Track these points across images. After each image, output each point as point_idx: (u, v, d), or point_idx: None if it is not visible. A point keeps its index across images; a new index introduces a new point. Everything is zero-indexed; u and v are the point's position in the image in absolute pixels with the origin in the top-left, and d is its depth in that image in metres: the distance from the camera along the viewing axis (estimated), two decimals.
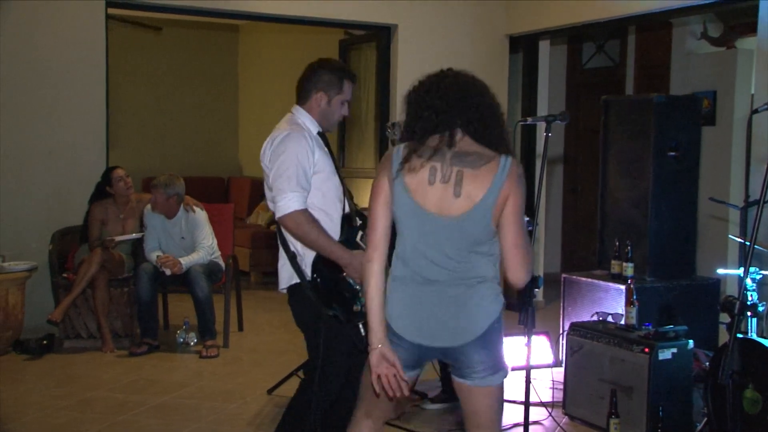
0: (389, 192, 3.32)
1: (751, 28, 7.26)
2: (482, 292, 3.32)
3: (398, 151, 3.34)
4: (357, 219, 4.43)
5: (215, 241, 8.04)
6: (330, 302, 4.27)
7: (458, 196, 3.22)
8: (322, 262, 4.23)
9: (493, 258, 3.34)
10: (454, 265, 3.29)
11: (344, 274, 4.26)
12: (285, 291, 4.48)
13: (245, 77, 13.89)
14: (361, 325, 4.16)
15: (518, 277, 3.30)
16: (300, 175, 4.19)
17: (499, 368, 3.36)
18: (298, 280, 4.34)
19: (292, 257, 4.32)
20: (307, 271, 4.28)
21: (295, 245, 4.31)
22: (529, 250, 3.36)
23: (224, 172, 13.43)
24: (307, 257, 4.30)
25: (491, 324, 3.31)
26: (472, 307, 3.30)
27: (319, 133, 4.42)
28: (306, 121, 4.41)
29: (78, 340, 7.85)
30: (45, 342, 7.58)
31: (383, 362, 3.30)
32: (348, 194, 4.50)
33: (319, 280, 4.24)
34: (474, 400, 3.40)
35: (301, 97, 4.48)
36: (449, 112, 3.28)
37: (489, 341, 3.32)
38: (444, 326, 3.31)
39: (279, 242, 4.40)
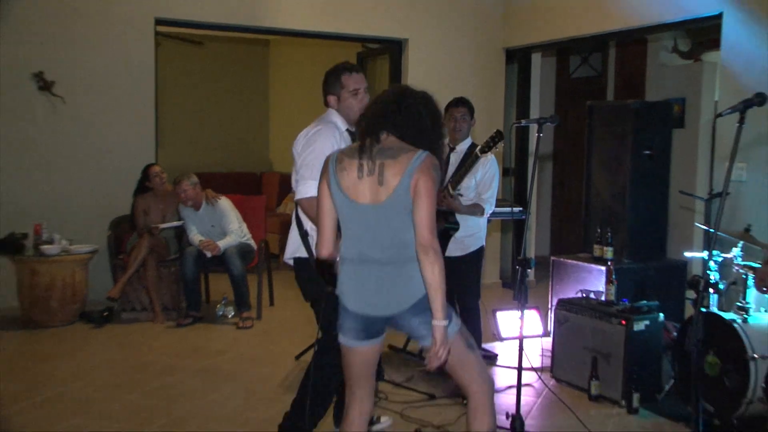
0: (328, 193, 3.39)
1: (716, 44, 7.25)
2: (411, 271, 3.29)
3: (334, 156, 3.41)
4: None
5: (244, 225, 8.07)
6: (331, 280, 4.28)
7: (381, 184, 3.26)
8: None
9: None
10: (386, 247, 3.31)
11: None
12: (289, 261, 4.47)
13: (275, 85, 13.80)
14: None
15: (427, 242, 3.18)
16: (322, 166, 4.26)
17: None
18: (304, 255, 4.34)
19: (304, 235, 4.32)
20: (314, 250, 4.31)
21: (308, 225, 4.31)
22: (434, 226, 3.25)
23: (256, 168, 13.34)
24: (316, 237, 4.29)
25: (424, 296, 3.28)
26: (403, 281, 3.31)
27: (348, 131, 4.42)
28: (337, 120, 4.42)
29: (133, 312, 7.92)
30: (106, 314, 7.64)
31: None
32: None
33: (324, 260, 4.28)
34: None
35: (325, 103, 4.50)
36: (378, 120, 3.36)
37: (423, 309, 3.29)
38: (381, 298, 3.33)
39: (294, 220, 4.40)
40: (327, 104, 4.48)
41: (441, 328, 3.19)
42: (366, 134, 3.37)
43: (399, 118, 3.35)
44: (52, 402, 5.44)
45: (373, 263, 3.33)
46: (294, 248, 4.44)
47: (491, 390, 3.48)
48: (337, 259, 3.53)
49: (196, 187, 7.85)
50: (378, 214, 3.29)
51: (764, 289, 4.05)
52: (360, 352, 3.45)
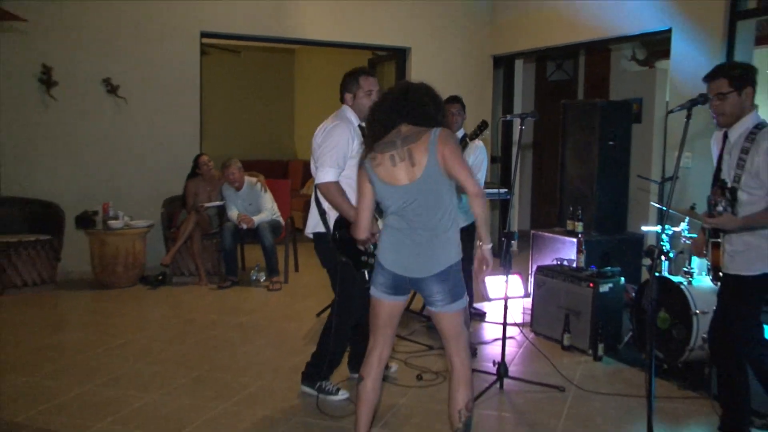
0: (370, 188, 3.40)
1: (666, 54, 7.26)
2: (444, 241, 3.33)
3: (367, 159, 3.40)
4: None
5: (275, 204, 8.09)
6: (344, 252, 4.26)
7: (413, 165, 3.28)
8: (342, 222, 4.24)
9: (451, 211, 3.37)
10: (423, 218, 3.32)
11: None
12: (310, 235, 4.48)
13: (299, 87, 13.73)
14: (366, 272, 4.15)
15: (473, 186, 3.27)
16: (339, 156, 4.21)
17: (455, 299, 3.36)
18: (323, 230, 4.36)
19: (322, 213, 4.34)
20: (331, 225, 4.30)
21: (325, 205, 4.32)
22: (473, 177, 3.32)
23: (283, 156, 13.32)
24: (331, 215, 4.30)
25: (449, 267, 3.32)
26: (435, 250, 3.32)
27: (359, 126, 4.41)
28: (351, 116, 4.43)
29: (182, 276, 7.98)
30: (160, 278, 7.73)
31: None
32: None
33: (338, 234, 4.25)
34: (439, 321, 3.42)
35: (341, 100, 4.50)
36: (392, 115, 3.36)
37: (446, 279, 3.32)
38: (414, 261, 3.34)
39: (314, 200, 4.40)
40: (343, 101, 4.48)
41: (487, 250, 3.38)
42: (386, 129, 3.37)
43: (408, 108, 3.35)
44: (118, 350, 5.51)
45: (413, 231, 3.34)
46: (314, 224, 4.45)
47: (470, 367, 3.46)
48: (375, 233, 3.56)
49: (241, 171, 7.93)
50: (417, 189, 3.29)
51: (704, 253, 4.09)
52: (386, 305, 3.48)
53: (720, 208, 3.58)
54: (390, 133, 3.36)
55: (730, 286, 3.81)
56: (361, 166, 3.45)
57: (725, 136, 3.79)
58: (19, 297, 7.08)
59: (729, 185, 3.68)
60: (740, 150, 3.65)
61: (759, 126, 3.64)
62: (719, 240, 3.82)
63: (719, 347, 3.85)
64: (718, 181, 3.77)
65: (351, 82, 4.46)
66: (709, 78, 3.75)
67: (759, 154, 3.55)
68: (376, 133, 3.40)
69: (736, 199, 3.63)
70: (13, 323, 6.21)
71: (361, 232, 3.50)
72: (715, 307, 4.44)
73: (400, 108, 3.36)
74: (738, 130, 3.71)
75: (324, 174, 4.20)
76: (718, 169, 3.84)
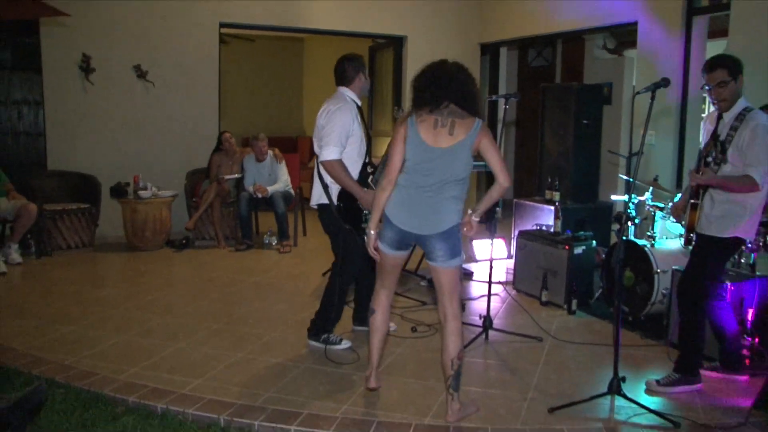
0: (406, 135, 3.38)
1: (634, 44, 7.26)
2: (451, 205, 3.36)
3: (412, 117, 3.38)
4: (369, 168, 4.41)
5: (289, 178, 8.07)
6: (347, 220, 4.31)
7: (451, 134, 3.31)
8: (344, 194, 4.26)
9: (462, 185, 3.39)
10: (441, 181, 3.34)
11: (358, 203, 4.28)
12: (315, 207, 4.49)
13: (307, 71, 13.63)
14: (365, 237, 4.13)
15: (505, 179, 3.37)
16: (341, 136, 4.20)
17: (454, 256, 3.38)
18: (325, 201, 4.36)
19: (325, 187, 4.34)
20: (334, 198, 4.32)
21: (328, 179, 4.32)
22: (506, 165, 3.42)
23: (293, 133, 13.27)
24: (334, 189, 4.31)
25: (452, 227, 3.35)
26: (441, 211, 3.35)
27: (357, 106, 4.41)
28: (353, 96, 4.43)
29: (204, 240, 7.99)
30: (184, 241, 7.73)
31: (371, 240, 3.52)
32: (368, 153, 4.47)
33: (341, 205, 4.28)
34: (438, 275, 3.43)
35: (346, 81, 4.46)
36: (440, 92, 3.33)
37: (448, 237, 3.35)
38: (421, 220, 3.37)
39: (317, 175, 4.40)
40: (350, 81, 4.45)
41: (475, 220, 3.48)
42: (434, 100, 3.33)
43: (456, 87, 3.34)
44: (148, 304, 5.53)
45: (426, 191, 3.35)
46: (317, 196, 4.46)
47: (461, 319, 3.48)
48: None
49: (267, 145, 7.93)
50: (444, 155, 3.32)
51: (682, 216, 4.15)
52: (391, 257, 3.53)
53: (710, 159, 3.78)
54: (440, 104, 3.35)
55: (703, 245, 3.90)
56: (401, 124, 3.42)
57: (719, 117, 3.89)
58: (63, 258, 7.12)
59: (721, 143, 3.79)
60: (730, 128, 3.78)
61: (747, 109, 3.79)
62: (698, 202, 3.92)
63: (686, 298, 3.94)
64: (709, 148, 3.87)
65: (361, 64, 4.48)
66: (709, 69, 3.82)
67: (746, 130, 3.69)
68: (425, 101, 3.36)
69: (725, 152, 3.75)
70: (59, 280, 6.25)
71: (390, 182, 3.43)
72: (674, 267, 4.49)
73: (448, 88, 3.33)
74: (732, 112, 3.81)
75: (329, 152, 4.18)
76: (707, 144, 3.93)
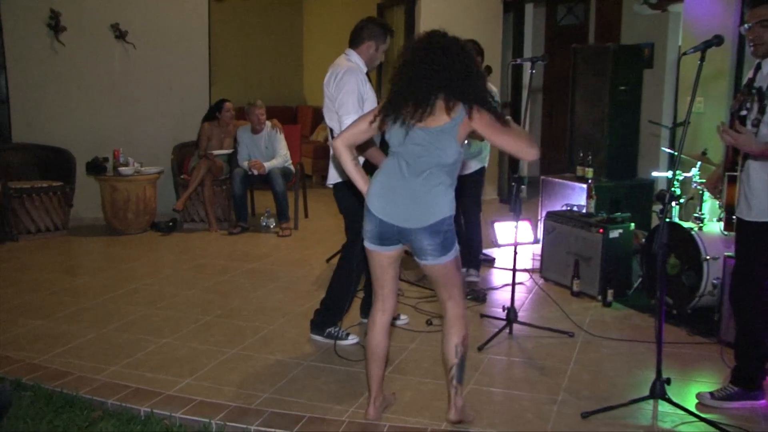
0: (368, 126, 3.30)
1: None
2: (438, 194, 3.20)
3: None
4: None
5: (288, 152, 8.04)
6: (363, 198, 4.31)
7: (433, 115, 3.13)
8: (366, 167, 4.11)
9: (449, 171, 3.22)
10: (424, 166, 3.18)
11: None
12: (330, 186, 4.50)
13: (308, 32, 13.60)
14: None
15: (528, 154, 3.13)
16: (359, 100, 4.22)
17: (445, 253, 3.24)
18: (342, 180, 4.35)
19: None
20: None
21: None
22: (521, 135, 3.16)
23: (293, 102, 13.26)
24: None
25: (441, 220, 3.19)
26: (426, 201, 3.19)
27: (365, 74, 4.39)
28: (358, 61, 4.40)
29: (193, 222, 7.99)
30: (171, 224, 7.74)
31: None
32: None
33: None
34: (429, 272, 3.34)
35: (355, 43, 4.44)
36: (428, 74, 3.13)
37: (436, 232, 3.19)
38: (404, 210, 3.20)
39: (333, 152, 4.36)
40: (358, 45, 4.43)
41: None
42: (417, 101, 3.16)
43: (452, 74, 3.14)
44: (130, 294, 5.53)
45: (405, 179, 3.21)
46: (334, 175, 4.46)
47: (464, 306, 3.40)
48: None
49: (265, 113, 7.91)
50: (427, 136, 3.13)
51: (718, 190, 4.00)
52: (377, 256, 3.38)
53: (744, 113, 3.47)
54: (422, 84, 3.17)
55: (748, 233, 3.66)
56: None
57: (758, 67, 3.63)
58: (33, 242, 7.13)
59: (764, 92, 3.49)
60: None
61: None
62: (736, 174, 3.69)
63: (741, 295, 3.73)
64: (742, 98, 3.61)
65: (379, 34, 4.45)
66: (753, 3, 3.54)
67: None
68: (400, 104, 3.20)
69: (764, 109, 3.46)
70: (29, 268, 6.25)
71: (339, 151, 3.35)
72: (725, 253, 4.39)
73: (441, 71, 3.13)
74: None
75: (349, 120, 4.13)
76: (743, 93, 3.65)
